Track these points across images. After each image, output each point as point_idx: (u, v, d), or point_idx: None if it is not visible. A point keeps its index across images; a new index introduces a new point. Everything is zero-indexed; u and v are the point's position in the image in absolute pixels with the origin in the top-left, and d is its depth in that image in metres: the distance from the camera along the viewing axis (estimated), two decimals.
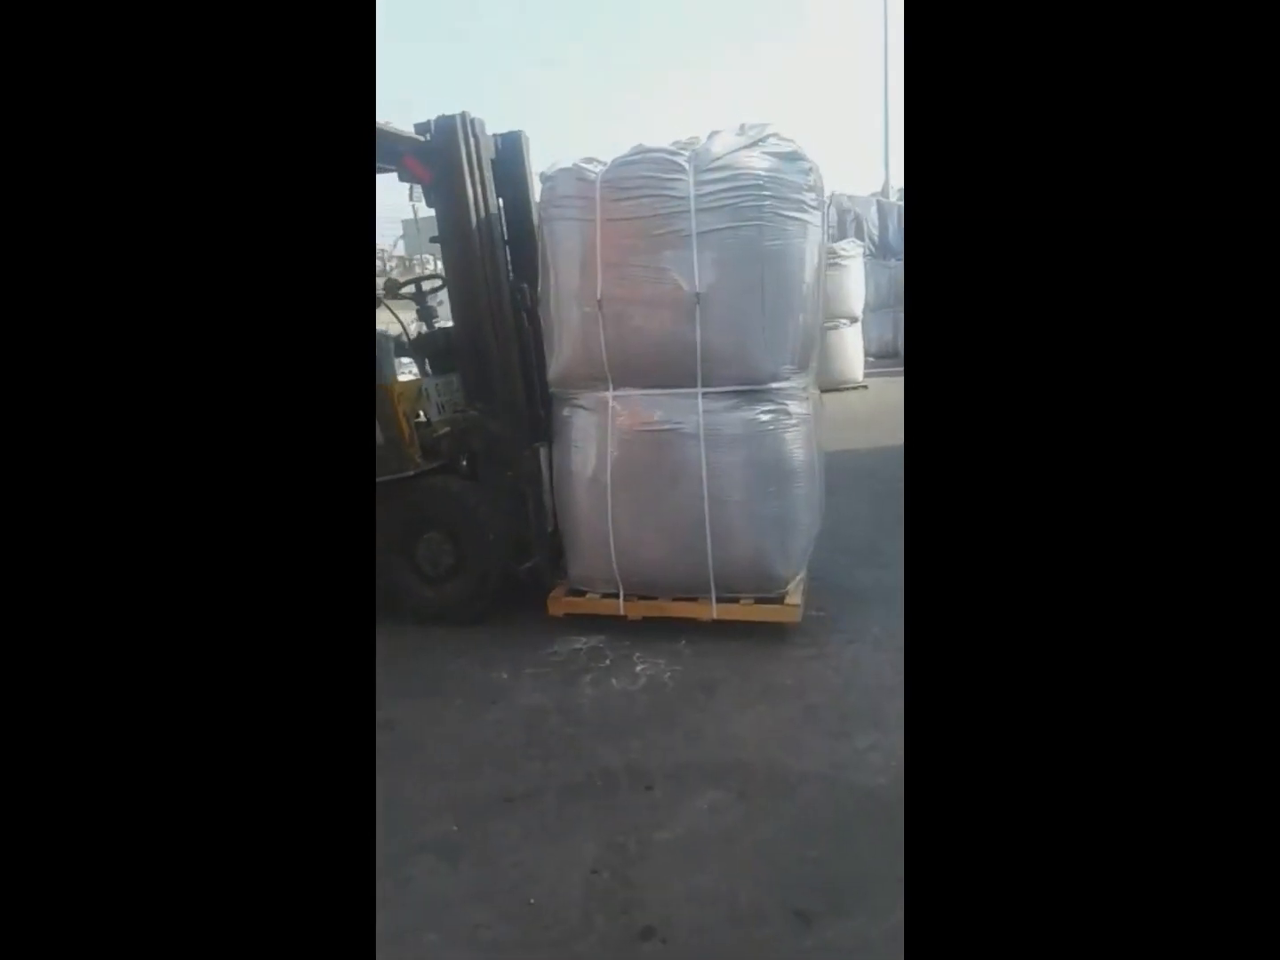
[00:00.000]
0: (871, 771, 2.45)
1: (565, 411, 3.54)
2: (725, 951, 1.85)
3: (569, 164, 3.32)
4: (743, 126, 3.22)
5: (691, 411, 3.29)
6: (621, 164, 3.22)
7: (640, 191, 3.16)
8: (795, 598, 3.43)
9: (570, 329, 3.37)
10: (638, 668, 3.25)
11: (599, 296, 3.25)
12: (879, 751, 2.55)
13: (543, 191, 3.41)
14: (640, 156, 3.20)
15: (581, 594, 3.63)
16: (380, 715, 2.85)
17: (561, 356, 3.44)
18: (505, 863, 2.18)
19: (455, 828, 2.33)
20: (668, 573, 3.44)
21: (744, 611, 3.43)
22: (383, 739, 2.77)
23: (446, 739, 2.82)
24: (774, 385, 3.30)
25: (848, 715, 2.80)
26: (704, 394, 3.28)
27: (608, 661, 3.32)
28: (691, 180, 3.12)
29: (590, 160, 3.31)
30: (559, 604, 3.64)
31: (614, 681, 3.16)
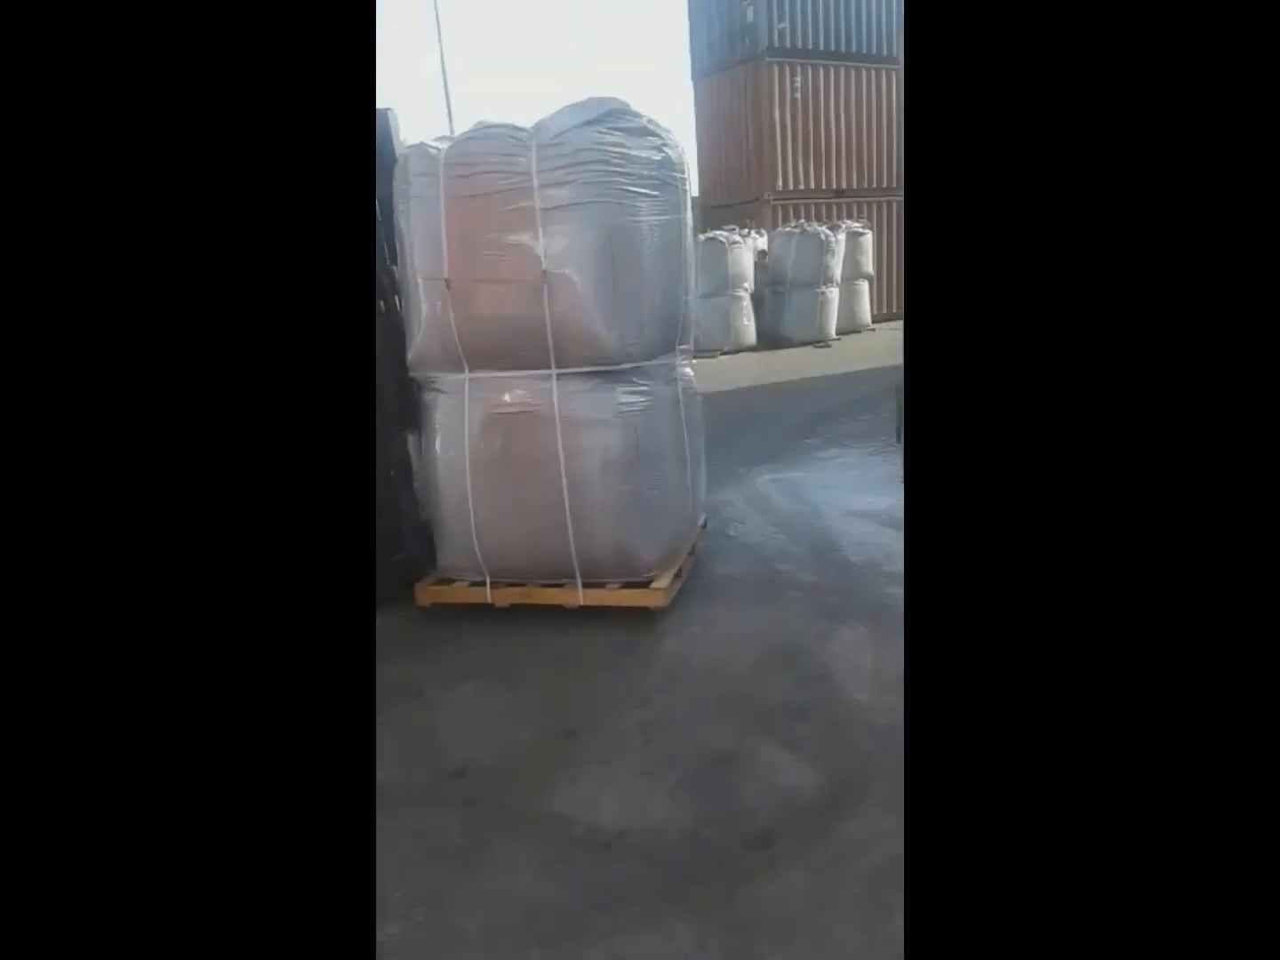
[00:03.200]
0: None
1: (428, 396, 3.47)
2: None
3: (417, 141, 3.24)
4: (589, 101, 3.14)
5: (546, 394, 3.22)
6: (464, 140, 3.15)
7: (482, 168, 3.09)
8: (663, 581, 3.36)
9: (424, 311, 3.29)
10: None
11: (446, 276, 3.18)
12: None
13: (396, 171, 3.32)
14: (481, 133, 3.13)
15: (450, 582, 3.56)
16: None
17: (418, 339, 3.35)
18: None
19: None
20: (532, 558, 3.37)
21: (609, 596, 3.37)
22: None
23: None
24: (629, 366, 3.23)
25: None
26: (558, 375, 3.22)
27: None
28: (534, 156, 3.04)
29: (442, 138, 3.24)
30: (426, 593, 3.56)
31: None
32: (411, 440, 3.65)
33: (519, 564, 3.40)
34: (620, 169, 3.08)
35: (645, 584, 3.36)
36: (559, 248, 3.08)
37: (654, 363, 3.35)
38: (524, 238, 3.08)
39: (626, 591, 3.36)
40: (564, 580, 3.40)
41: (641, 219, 3.17)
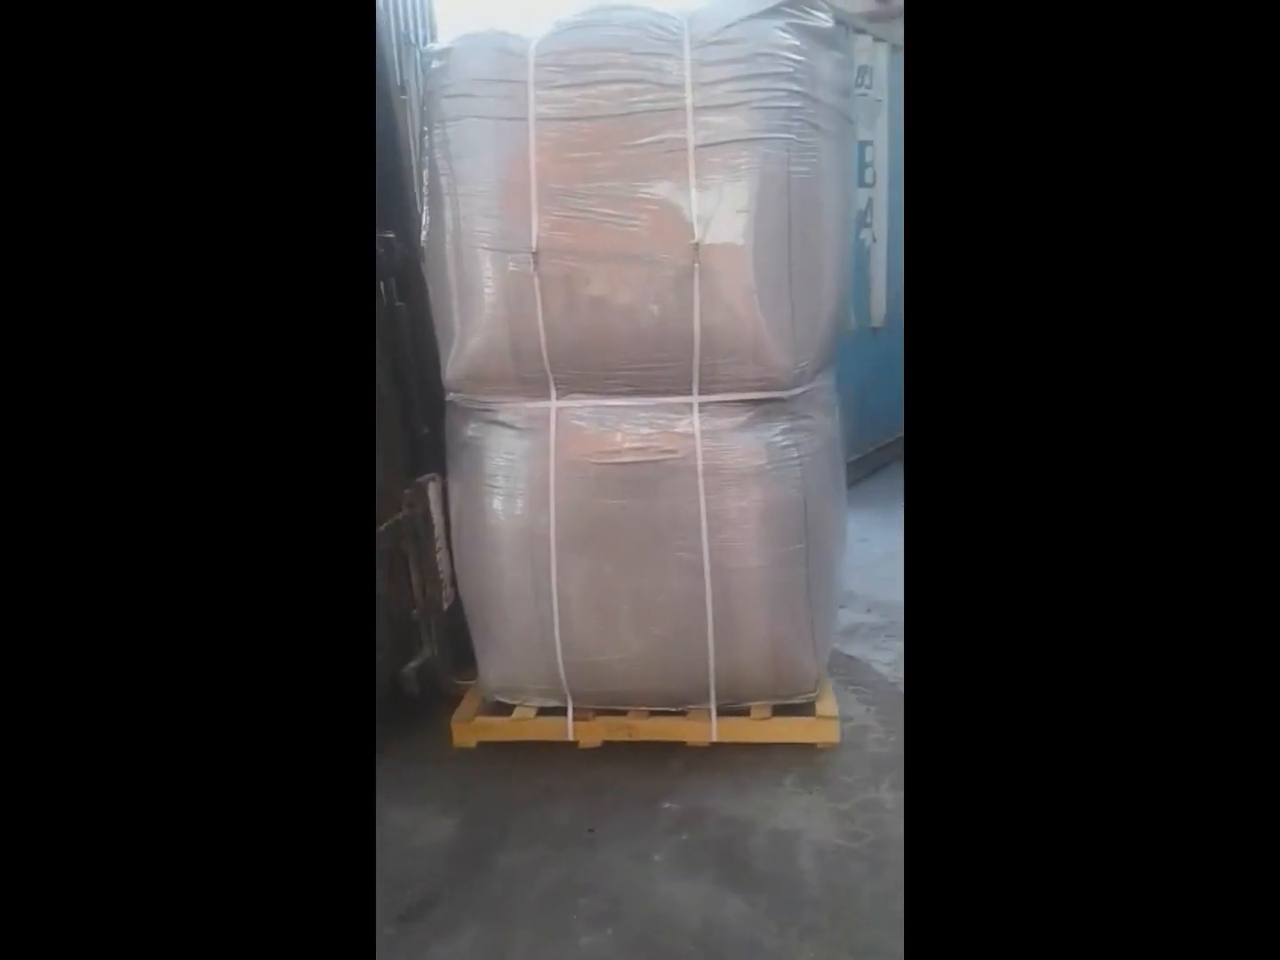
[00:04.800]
0: None
1: (471, 430, 2.26)
2: None
3: (481, 31, 2.05)
4: None
5: (685, 432, 2.11)
6: (572, 28, 1.98)
7: (605, 74, 1.94)
8: (829, 704, 2.33)
9: (483, 300, 2.10)
10: None
11: (534, 247, 2.00)
12: None
13: (431, 79, 2.11)
14: (603, 17, 1.98)
15: (505, 710, 2.37)
16: None
17: (468, 344, 2.15)
18: None
19: None
20: (647, 676, 2.25)
21: (755, 730, 2.29)
22: None
23: None
24: (798, 391, 2.17)
25: None
26: (702, 406, 2.11)
27: None
28: (688, 59, 1.93)
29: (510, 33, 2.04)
30: (468, 728, 2.36)
31: None
32: (433, 491, 2.44)
33: (625, 684, 2.27)
34: (804, 90, 2.01)
35: (803, 707, 2.32)
36: (722, 208, 1.98)
37: (816, 384, 2.30)
38: (668, 189, 1.97)
39: (780, 721, 2.29)
40: (688, 705, 2.30)
41: (824, 166, 2.11)
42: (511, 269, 2.04)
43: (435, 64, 2.09)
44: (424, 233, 2.23)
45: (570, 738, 2.31)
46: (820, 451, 2.27)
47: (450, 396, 2.26)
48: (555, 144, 1.97)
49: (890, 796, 2.08)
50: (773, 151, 1.99)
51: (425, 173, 2.15)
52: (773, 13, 1.98)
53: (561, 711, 2.32)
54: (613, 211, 1.98)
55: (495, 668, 2.34)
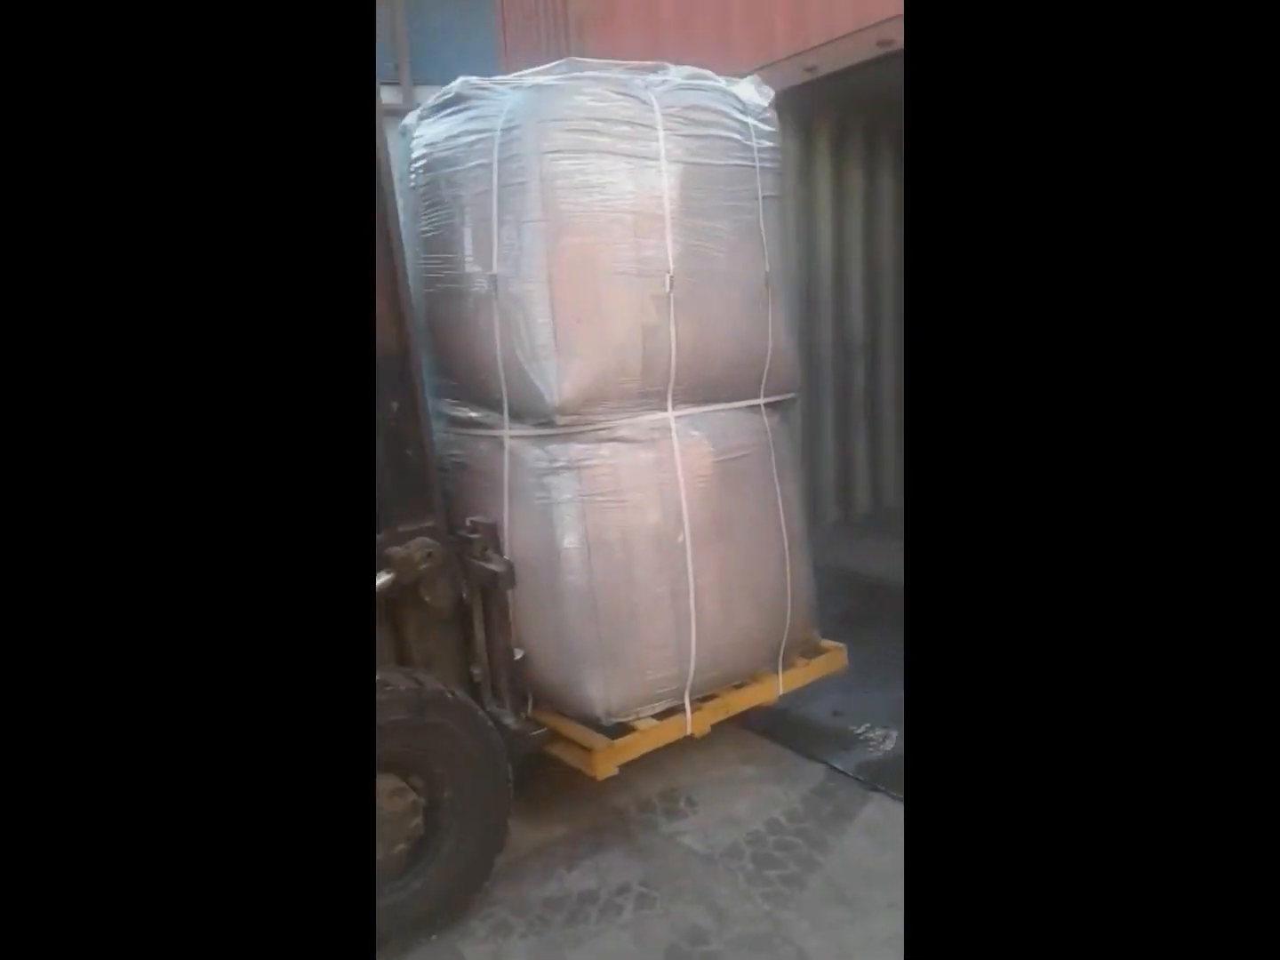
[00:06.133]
0: None
1: (576, 452, 2.27)
2: None
3: (591, 72, 2.20)
4: (752, 78, 2.60)
5: (759, 428, 2.52)
6: (684, 88, 2.29)
7: (712, 130, 2.31)
8: (825, 640, 2.90)
9: (616, 320, 2.21)
10: None
11: (670, 270, 2.23)
12: None
13: (532, 110, 2.14)
14: (704, 83, 2.33)
15: (628, 728, 2.36)
16: None
17: (593, 364, 2.20)
18: None
19: None
20: (747, 650, 2.53)
21: (802, 675, 2.75)
22: None
23: None
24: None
25: None
26: (766, 405, 2.56)
27: None
28: (752, 128, 2.42)
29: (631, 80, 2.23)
30: (607, 755, 2.29)
31: None
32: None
33: (732, 665, 2.51)
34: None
35: (817, 648, 2.84)
36: (769, 247, 2.49)
37: None
38: (750, 229, 2.41)
39: (817, 661, 2.78)
40: (756, 670, 2.63)
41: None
42: (649, 290, 2.21)
43: (538, 101, 2.14)
44: (496, 262, 2.20)
45: (689, 731, 2.44)
46: None
47: (558, 418, 2.22)
48: (680, 182, 2.24)
49: None
50: (778, 206, 2.58)
51: (519, 200, 2.15)
52: (770, 106, 2.58)
53: (671, 713, 2.43)
54: (721, 243, 2.33)
55: (618, 688, 2.33)
